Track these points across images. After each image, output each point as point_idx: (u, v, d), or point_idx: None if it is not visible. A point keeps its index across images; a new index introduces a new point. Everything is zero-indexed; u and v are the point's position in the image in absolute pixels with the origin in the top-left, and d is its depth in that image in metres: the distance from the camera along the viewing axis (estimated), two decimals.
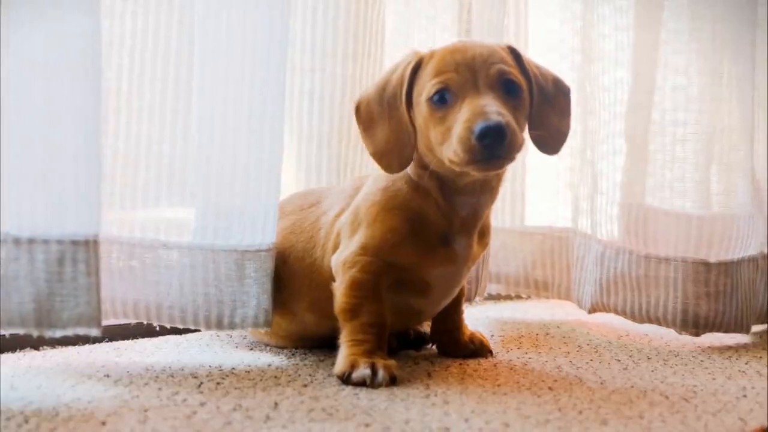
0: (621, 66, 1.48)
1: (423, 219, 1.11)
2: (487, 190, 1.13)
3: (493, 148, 1.00)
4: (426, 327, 1.32)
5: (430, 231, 1.11)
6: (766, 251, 1.50)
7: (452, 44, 1.10)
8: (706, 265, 1.40)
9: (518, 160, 1.56)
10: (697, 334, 1.42)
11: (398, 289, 1.13)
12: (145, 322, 1.17)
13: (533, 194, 1.67)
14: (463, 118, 1.02)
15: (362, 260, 1.11)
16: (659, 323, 1.43)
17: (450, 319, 1.25)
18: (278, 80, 1.16)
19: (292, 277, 1.19)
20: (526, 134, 1.10)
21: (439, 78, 1.05)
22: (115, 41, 1.15)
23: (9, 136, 0.97)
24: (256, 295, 1.16)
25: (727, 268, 1.42)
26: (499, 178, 1.14)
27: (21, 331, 0.99)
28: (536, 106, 1.11)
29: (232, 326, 1.16)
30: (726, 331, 1.42)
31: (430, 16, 1.49)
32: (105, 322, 1.26)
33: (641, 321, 1.44)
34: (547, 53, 1.62)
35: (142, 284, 1.15)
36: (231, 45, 1.14)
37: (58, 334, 0.99)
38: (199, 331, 1.30)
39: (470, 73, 1.05)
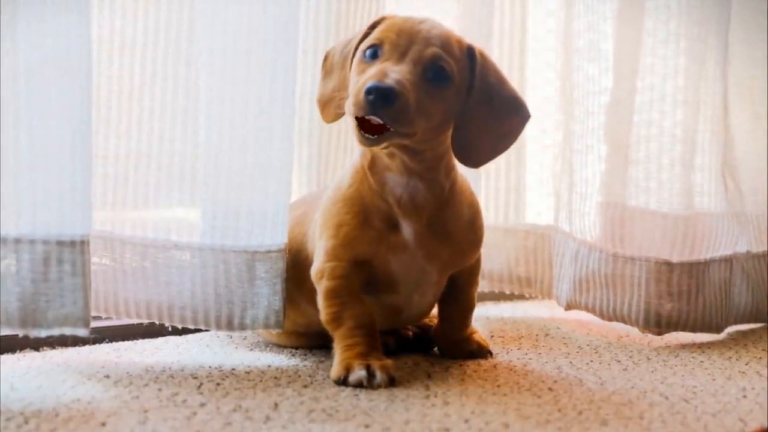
0: (604, 70, 1.47)
1: (365, 203, 1.11)
2: (414, 173, 1.10)
3: (375, 107, 1.00)
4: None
5: (374, 215, 1.11)
6: (757, 251, 1.51)
7: (414, 16, 1.11)
8: (669, 264, 1.40)
9: (513, 159, 1.59)
10: (659, 333, 1.42)
11: (369, 287, 1.13)
12: (146, 322, 1.18)
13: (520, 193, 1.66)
14: (367, 74, 1.03)
15: (329, 267, 1.11)
16: (624, 321, 1.43)
17: (454, 326, 1.24)
18: (287, 78, 1.16)
19: (294, 268, 1.19)
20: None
21: (379, 35, 1.07)
22: (127, 42, 1.15)
23: None
24: (267, 296, 1.16)
25: (691, 268, 1.41)
26: (424, 163, 1.10)
27: (6, 331, 0.99)
28: (469, 110, 1.09)
29: (242, 327, 1.17)
30: (692, 331, 1.42)
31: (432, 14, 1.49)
32: (110, 323, 1.27)
33: (609, 319, 1.44)
34: (544, 52, 1.61)
35: (155, 284, 1.15)
36: (238, 43, 1.14)
37: (44, 334, 0.99)
38: (200, 331, 1.30)
39: (407, 42, 1.06)
